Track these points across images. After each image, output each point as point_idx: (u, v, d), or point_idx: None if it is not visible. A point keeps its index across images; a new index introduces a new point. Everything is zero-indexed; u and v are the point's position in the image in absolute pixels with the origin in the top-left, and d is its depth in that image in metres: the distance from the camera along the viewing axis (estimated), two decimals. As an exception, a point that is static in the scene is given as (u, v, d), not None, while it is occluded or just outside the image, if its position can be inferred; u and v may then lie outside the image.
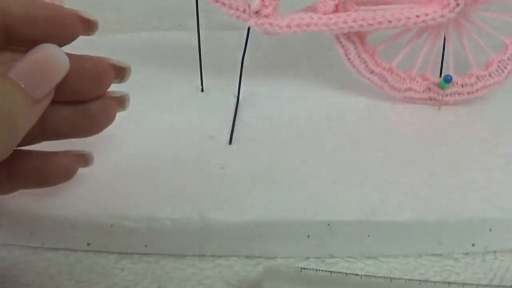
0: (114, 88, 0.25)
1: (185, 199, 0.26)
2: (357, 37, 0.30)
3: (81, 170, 0.27)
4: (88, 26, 0.23)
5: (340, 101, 0.33)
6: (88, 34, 0.23)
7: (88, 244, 0.27)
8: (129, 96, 0.25)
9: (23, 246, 0.27)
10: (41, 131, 0.23)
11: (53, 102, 0.22)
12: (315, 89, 0.34)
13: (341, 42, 0.30)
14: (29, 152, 0.24)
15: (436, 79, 0.32)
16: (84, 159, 0.25)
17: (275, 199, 0.26)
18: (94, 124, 0.24)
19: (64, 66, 0.21)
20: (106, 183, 0.27)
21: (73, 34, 0.23)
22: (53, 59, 0.21)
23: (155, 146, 0.29)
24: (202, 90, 0.34)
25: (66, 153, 0.25)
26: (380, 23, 0.28)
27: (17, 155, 0.23)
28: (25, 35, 0.22)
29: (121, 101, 0.25)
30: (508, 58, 0.31)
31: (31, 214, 0.26)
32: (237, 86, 0.33)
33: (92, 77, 0.23)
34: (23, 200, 0.26)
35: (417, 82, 0.32)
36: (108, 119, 0.24)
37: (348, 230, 0.26)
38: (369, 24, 0.28)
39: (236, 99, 0.33)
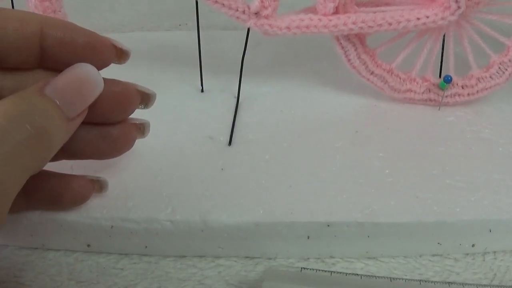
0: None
1: (185, 200, 0.26)
2: (357, 38, 0.30)
3: (80, 173, 0.27)
4: (121, 55, 0.23)
5: (340, 101, 0.33)
6: (120, 63, 0.24)
7: (88, 246, 0.27)
8: (149, 124, 0.25)
9: (23, 247, 0.27)
10: (61, 150, 0.23)
11: None
12: (315, 89, 0.34)
13: (341, 43, 0.30)
14: (46, 172, 0.24)
15: (437, 80, 0.32)
16: (99, 185, 0.25)
17: (275, 200, 0.26)
18: (113, 148, 0.24)
19: (99, 86, 0.22)
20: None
21: (106, 61, 0.23)
22: (88, 78, 0.21)
23: (155, 147, 0.29)
24: (202, 90, 0.34)
25: (82, 177, 0.25)
26: (380, 25, 0.28)
27: (34, 174, 0.23)
28: (60, 58, 0.22)
29: (141, 128, 0.25)
30: (509, 60, 0.31)
31: (31, 215, 0.26)
32: (237, 86, 0.33)
33: (119, 102, 0.23)
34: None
35: (417, 83, 0.32)
36: (127, 145, 0.25)
37: (348, 231, 0.26)
38: (369, 26, 0.28)
39: (236, 99, 0.33)
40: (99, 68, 0.22)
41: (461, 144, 0.30)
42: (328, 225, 0.25)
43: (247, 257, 0.27)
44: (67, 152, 0.23)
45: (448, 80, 0.31)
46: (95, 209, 0.26)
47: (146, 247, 0.26)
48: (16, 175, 0.18)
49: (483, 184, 0.27)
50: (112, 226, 0.26)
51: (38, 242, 0.27)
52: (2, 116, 0.18)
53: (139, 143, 0.29)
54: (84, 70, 0.21)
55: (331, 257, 0.27)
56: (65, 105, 0.20)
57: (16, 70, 0.22)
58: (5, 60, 0.21)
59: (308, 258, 0.27)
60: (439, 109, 0.32)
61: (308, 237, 0.26)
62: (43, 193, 0.24)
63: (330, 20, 0.28)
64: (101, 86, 0.22)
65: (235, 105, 0.32)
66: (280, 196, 0.26)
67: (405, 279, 0.25)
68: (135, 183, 0.27)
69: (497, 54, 0.31)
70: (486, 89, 0.32)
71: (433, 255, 0.27)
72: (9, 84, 0.22)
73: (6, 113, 0.18)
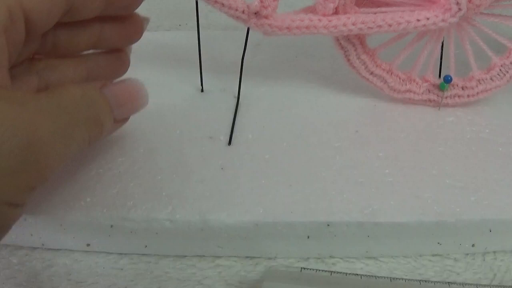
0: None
1: (185, 199, 0.26)
2: (357, 39, 0.30)
3: (80, 172, 0.27)
4: None
5: (340, 101, 0.33)
6: None
7: (88, 245, 0.27)
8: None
9: (23, 246, 0.27)
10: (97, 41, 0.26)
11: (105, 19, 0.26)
12: (315, 89, 0.34)
13: (340, 43, 0.30)
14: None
15: (437, 80, 0.32)
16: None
17: (275, 199, 0.26)
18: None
19: (144, 101, 0.26)
20: (105, 184, 0.27)
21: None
22: (140, 93, 0.25)
23: (155, 147, 0.29)
24: (202, 90, 0.34)
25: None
26: (380, 26, 0.28)
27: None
28: (117, 6, 0.25)
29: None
30: (511, 63, 0.31)
31: (31, 215, 0.26)
32: (237, 86, 0.33)
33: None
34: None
35: (417, 83, 0.32)
36: (138, 32, 0.28)
37: (348, 231, 0.26)
38: (369, 27, 0.28)
39: (236, 99, 0.33)
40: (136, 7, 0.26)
41: (461, 144, 0.30)
42: (328, 225, 0.25)
43: (247, 257, 0.27)
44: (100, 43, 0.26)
45: (448, 80, 0.31)
46: (95, 208, 0.26)
47: (145, 246, 0.26)
48: (74, 140, 0.21)
49: (483, 184, 0.27)
50: (111, 226, 0.26)
51: (37, 242, 0.27)
52: (78, 96, 0.22)
53: (138, 143, 0.29)
54: (135, 84, 0.25)
55: (331, 257, 0.27)
56: (115, 107, 0.24)
57: (72, 24, 0.25)
58: (79, 11, 0.23)
59: (308, 258, 0.27)
60: (439, 109, 0.32)
61: (308, 237, 0.26)
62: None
63: (330, 21, 0.28)
64: (146, 103, 0.26)
65: (235, 105, 0.32)
66: (280, 196, 0.26)
67: (405, 279, 0.25)
68: (135, 182, 0.27)
69: (499, 56, 0.31)
70: (487, 91, 0.31)
71: (433, 255, 0.27)
72: (62, 37, 0.25)
73: (80, 94, 0.22)
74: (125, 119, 0.26)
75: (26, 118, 0.19)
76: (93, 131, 0.22)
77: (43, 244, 0.27)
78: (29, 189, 0.20)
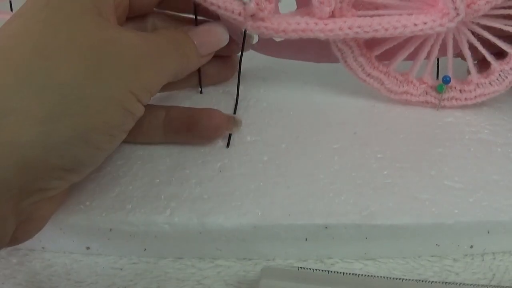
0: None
1: (183, 202, 0.26)
2: (354, 41, 0.30)
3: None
4: None
5: (338, 102, 0.33)
6: None
7: (87, 248, 0.27)
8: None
9: (21, 249, 0.27)
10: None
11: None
12: (313, 90, 0.34)
13: (337, 46, 0.30)
14: (186, 107, 0.30)
15: (434, 82, 0.32)
16: (234, 120, 0.30)
17: (273, 202, 0.26)
18: (233, 71, 0.34)
19: (224, 40, 0.30)
20: (104, 187, 0.27)
21: None
22: (218, 34, 0.29)
23: (153, 150, 0.29)
24: (201, 92, 0.34)
25: (218, 111, 0.30)
26: (376, 30, 0.28)
27: (175, 108, 0.30)
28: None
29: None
30: (511, 68, 0.30)
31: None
32: (236, 88, 0.33)
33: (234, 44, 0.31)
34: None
35: (414, 85, 0.31)
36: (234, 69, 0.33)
37: (346, 233, 0.26)
38: (365, 31, 0.28)
39: (234, 101, 0.33)
40: None
41: (459, 145, 0.30)
42: (326, 227, 0.25)
43: (245, 258, 0.27)
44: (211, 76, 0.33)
45: (446, 80, 0.31)
46: (94, 212, 0.26)
47: (145, 249, 0.27)
48: (168, 70, 0.26)
49: (481, 185, 0.27)
50: (111, 229, 0.26)
51: (37, 245, 0.27)
52: (170, 39, 0.27)
53: (137, 146, 0.29)
54: (216, 26, 0.29)
55: (330, 258, 0.27)
56: (199, 46, 0.28)
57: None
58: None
59: (306, 260, 0.27)
60: (437, 110, 0.32)
61: (306, 239, 0.26)
62: (182, 120, 0.29)
63: (326, 24, 0.28)
64: (226, 40, 0.29)
65: (233, 107, 0.32)
66: (278, 198, 0.26)
67: (402, 279, 0.25)
68: (133, 185, 0.27)
69: (498, 61, 0.31)
70: (485, 95, 0.31)
71: (432, 256, 0.27)
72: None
73: (171, 37, 0.27)
74: (210, 54, 0.29)
75: (140, 35, 0.25)
76: (181, 62, 0.27)
77: (43, 248, 0.27)
78: (146, 90, 0.24)
